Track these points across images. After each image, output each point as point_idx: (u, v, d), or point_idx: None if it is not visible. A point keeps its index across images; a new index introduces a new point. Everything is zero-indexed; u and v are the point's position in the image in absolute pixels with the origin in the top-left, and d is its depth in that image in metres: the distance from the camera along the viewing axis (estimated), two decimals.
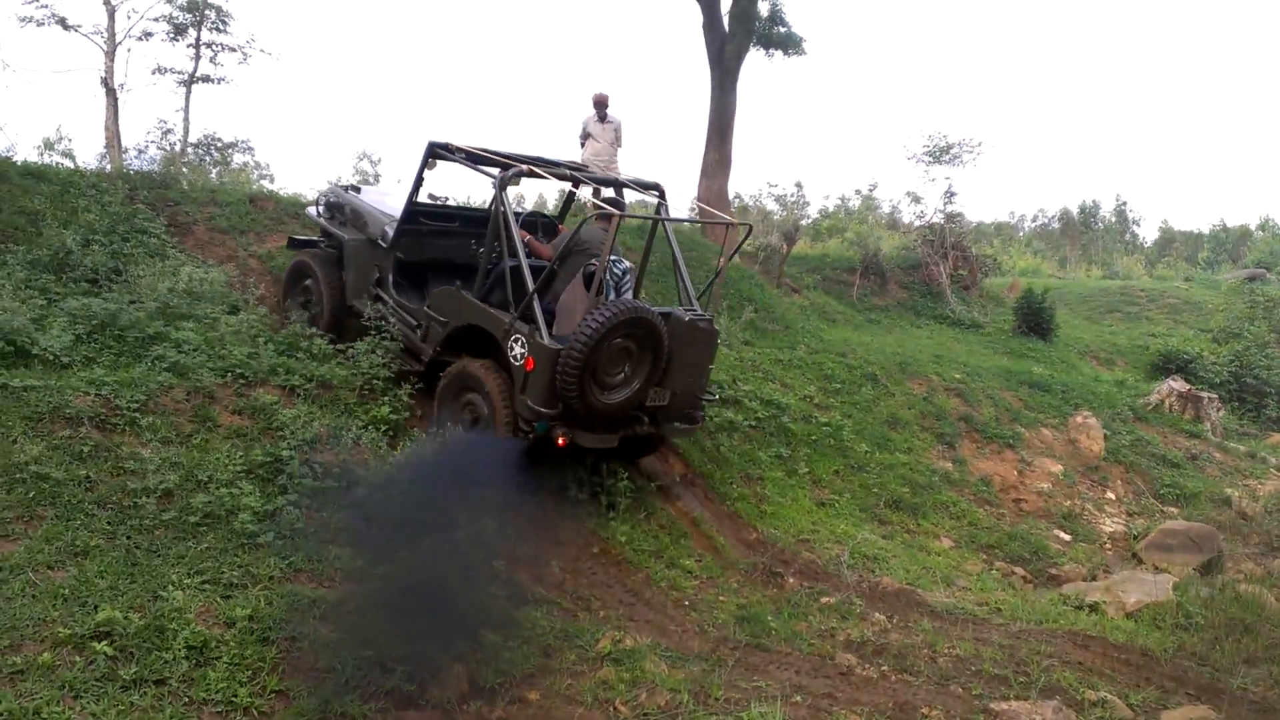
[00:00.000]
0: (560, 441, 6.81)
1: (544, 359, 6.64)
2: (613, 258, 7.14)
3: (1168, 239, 40.96)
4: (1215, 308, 19.29)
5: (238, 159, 19.15)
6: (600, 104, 13.58)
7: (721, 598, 6.89)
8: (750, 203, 24.76)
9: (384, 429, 7.12)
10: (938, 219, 18.22)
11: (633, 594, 6.70)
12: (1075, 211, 40.26)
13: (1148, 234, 42.90)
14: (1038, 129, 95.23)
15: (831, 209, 26.27)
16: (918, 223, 18.79)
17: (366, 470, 6.59)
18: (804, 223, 25.47)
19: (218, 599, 5.34)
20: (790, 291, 14.61)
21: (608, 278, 7.25)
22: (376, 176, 20.69)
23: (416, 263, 8.38)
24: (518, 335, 6.82)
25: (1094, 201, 41.15)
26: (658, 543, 7.36)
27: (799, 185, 41.68)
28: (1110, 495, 10.80)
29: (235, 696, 4.76)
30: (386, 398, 7.41)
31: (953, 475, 10.27)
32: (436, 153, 7.74)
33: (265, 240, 10.09)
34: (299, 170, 51.86)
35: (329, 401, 7.28)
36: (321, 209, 9.05)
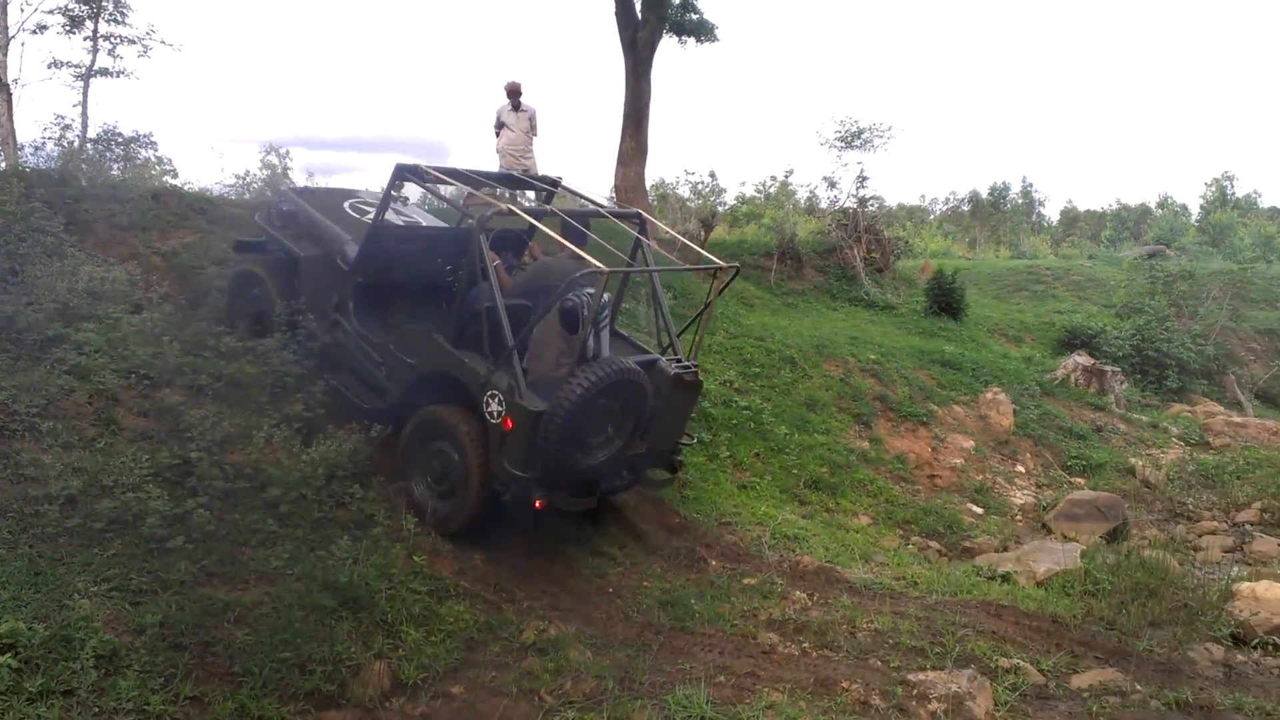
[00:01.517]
0: (537, 504, 6.28)
1: (524, 421, 6.09)
2: (589, 291, 6.48)
3: (1072, 219, 42.26)
4: (1118, 284, 19.96)
5: (140, 154, 18.51)
6: (514, 92, 13.48)
7: (645, 583, 6.93)
8: (667, 190, 24.84)
9: (298, 427, 6.97)
10: (851, 203, 18.49)
11: (556, 583, 6.70)
12: (984, 194, 41.30)
13: (1053, 214, 44.22)
14: (948, 114, 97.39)
15: (748, 195, 26.49)
16: (832, 208, 19.05)
17: (280, 469, 6.45)
18: (721, 209, 25.67)
19: (126, 606, 5.19)
20: (709, 278, 14.68)
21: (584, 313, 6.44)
22: (285, 170, 20.19)
23: (379, 285, 7.66)
24: (495, 391, 6.22)
25: (1003, 183, 42.26)
26: (580, 531, 7.35)
27: (713, 175, 41.95)
28: (1020, 468, 11.13)
29: (148, 704, 4.64)
30: (299, 395, 7.25)
31: (869, 454, 10.47)
32: (404, 175, 7.23)
33: (169, 237, 9.78)
34: (204, 165, 50.44)
35: (239, 400, 7.09)
36: (273, 216, 8.19)
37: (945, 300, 16.28)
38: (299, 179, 19.02)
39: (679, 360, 7.18)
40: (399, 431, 6.94)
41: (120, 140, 17.78)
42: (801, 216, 20.09)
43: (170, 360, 7.12)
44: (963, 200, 43.34)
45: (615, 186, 15.51)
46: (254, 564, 5.80)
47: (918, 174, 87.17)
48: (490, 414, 6.24)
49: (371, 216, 7.74)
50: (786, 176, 25.74)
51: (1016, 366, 14.12)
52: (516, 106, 13.43)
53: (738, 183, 47.79)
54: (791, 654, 6.01)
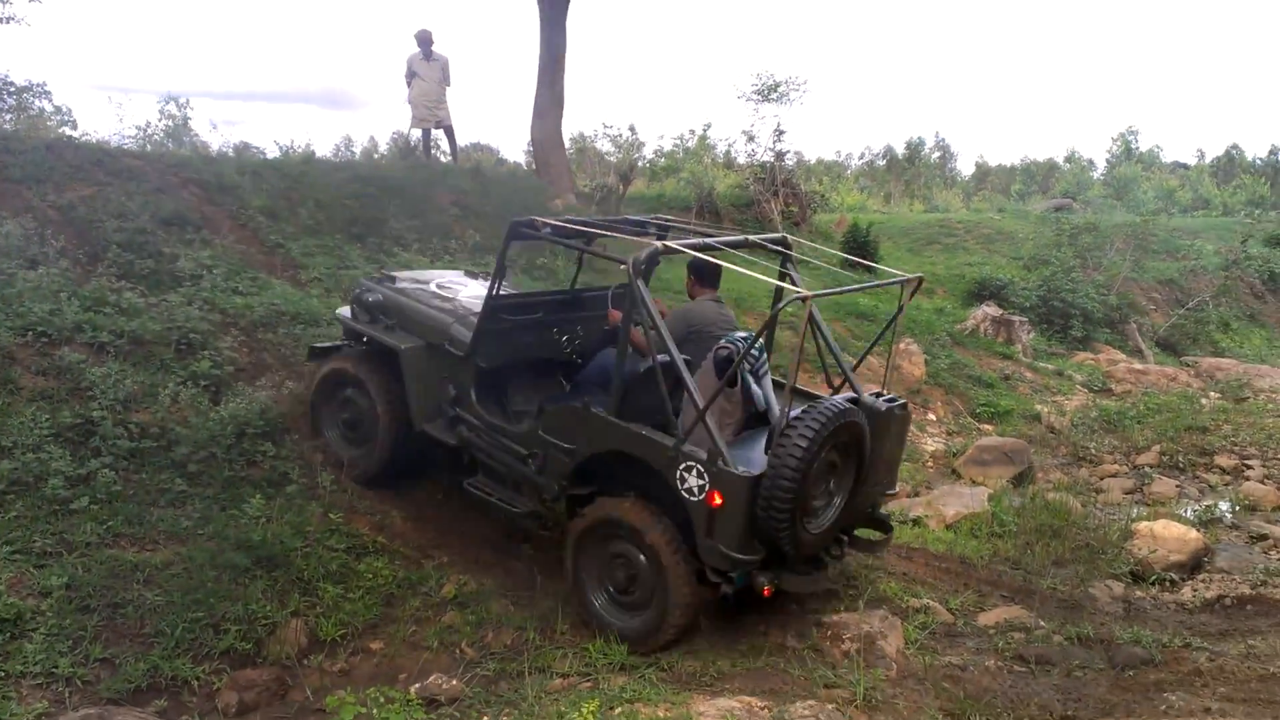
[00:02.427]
0: (765, 592, 5.16)
1: (738, 492, 4.89)
2: (742, 335, 5.61)
3: (983, 173, 43.13)
4: (1025, 237, 20.43)
5: (34, 104, 17.63)
6: (425, 40, 13.18)
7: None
8: (586, 143, 24.61)
9: (205, 384, 6.79)
10: (769, 157, 18.56)
11: (478, 538, 6.68)
12: (899, 149, 41.88)
13: (965, 169, 45.06)
14: (866, 70, 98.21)
15: (667, 149, 26.41)
16: (751, 162, 19.09)
17: (188, 428, 6.28)
18: (641, 163, 25.55)
19: (30, 569, 5.05)
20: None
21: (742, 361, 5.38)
22: (186, 121, 19.42)
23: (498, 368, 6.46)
24: (691, 463, 5.02)
25: (918, 139, 42.92)
26: None
27: (633, 128, 41.65)
28: (931, 416, 11.41)
29: (55, 667, 4.54)
30: (206, 351, 7.05)
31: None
32: (520, 232, 5.96)
33: (65, 190, 9.36)
34: (102, 116, 48.38)
35: (142, 358, 6.87)
36: (357, 310, 6.79)
37: (861, 253, 16.48)
38: (203, 131, 18.41)
39: (878, 394, 5.95)
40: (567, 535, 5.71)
41: (12, 90, 16.92)
42: (720, 171, 20.10)
43: (69, 317, 6.85)
44: (878, 155, 43.91)
45: (532, 139, 15.30)
46: (163, 524, 5.67)
47: (835, 129, 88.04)
48: (688, 492, 5.02)
49: (461, 294, 6.86)
50: (705, 130, 25.64)
51: (928, 318, 14.40)
52: (428, 55, 13.15)
53: (656, 136, 47.51)
54: (713, 601, 6.10)
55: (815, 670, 5.05)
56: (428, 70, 13.24)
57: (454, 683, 4.91)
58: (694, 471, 4.99)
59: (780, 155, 18.49)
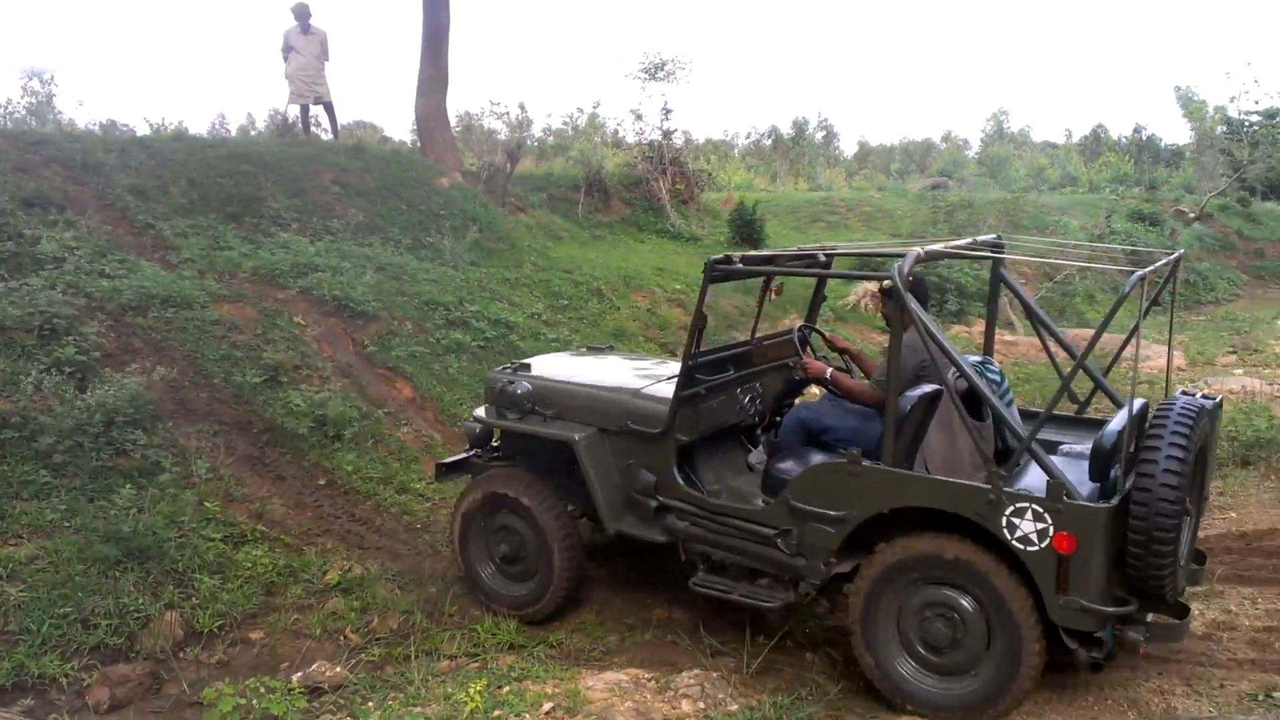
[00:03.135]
0: (1140, 650, 4.35)
1: (1096, 529, 3.97)
2: (976, 359, 4.95)
3: (865, 153, 44.12)
4: (904, 214, 21.02)
5: None
6: (302, 14, 12.80)
7: None
8: (473, 121, 24.28)
9: (70, 371, 6.48)
10: (657, 136, 18.60)
11: (362, 523, 6.58)
12: (785, 129, 42.48)
13: (847, 148, 46.02)
14: (751, 50, 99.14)
15: (555, 127, 26.26)
16: (639, 140, 19.11)
17: (52, 417, 6.00)
18: (530, 142, 25.32)
19: None
20: (516, 210, 14.52)
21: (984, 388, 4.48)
22: (50, 98, 18.37)
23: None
24: (1024, 505, 4.06)
25: (803, 118, 43.57)
26: (387, 469, 7.23)
27: (522, 106, 41.25)
28: (815, 391, 11.68)
29: None
30: (70, 337, 6.73)
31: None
32: (718, 272, 4.97)
33: None
34: None
35: (2, 345, 6.52)
36: (503, 406, 5.68)
37: (747, 231, 16.71)
38: (69, 109, 17.54)
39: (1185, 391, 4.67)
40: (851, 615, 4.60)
41: None
42: (609, 149, 20.08)
43: None
44: (765, 135, 44.45)
45: (416, 117, 14.99)
46: (26, 517, 5.42)
47: (723, 109, 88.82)
48: (1023, 541, 4.07)
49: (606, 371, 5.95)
50: (595, 108, 25.59)
51: (811, 295, 14.70)
52: (306, 29, 12.78)
53: (545, 114, 47.13)
54: (600, 577, 6.16)
55: (703, 641, 5.15)
56: (305, 44, 12.86)
57: (338, 669, 4.85)
58: (1028, 515, 4.06)
59: (668, 134, 18.54)
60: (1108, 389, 5.18)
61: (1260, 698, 4.22)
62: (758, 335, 6.08)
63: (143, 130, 15.58)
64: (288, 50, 12.87)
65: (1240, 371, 12.06)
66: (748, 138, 45.07)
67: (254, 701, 4.33)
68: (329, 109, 13.60)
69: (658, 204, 17.17)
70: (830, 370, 5.21)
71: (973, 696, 4.28)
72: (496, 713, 4.15)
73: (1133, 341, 4.01)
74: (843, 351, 5.60)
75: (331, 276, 9.07)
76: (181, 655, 5.01)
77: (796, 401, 5.80)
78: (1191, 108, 29.73)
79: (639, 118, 18.71)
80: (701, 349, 5.33)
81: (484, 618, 5.42)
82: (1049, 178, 33.55)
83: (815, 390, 6.23)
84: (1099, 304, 18.72)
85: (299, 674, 4.82)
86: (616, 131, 20.92)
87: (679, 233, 16.62)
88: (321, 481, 6.81)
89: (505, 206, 14.15)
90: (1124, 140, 41.92)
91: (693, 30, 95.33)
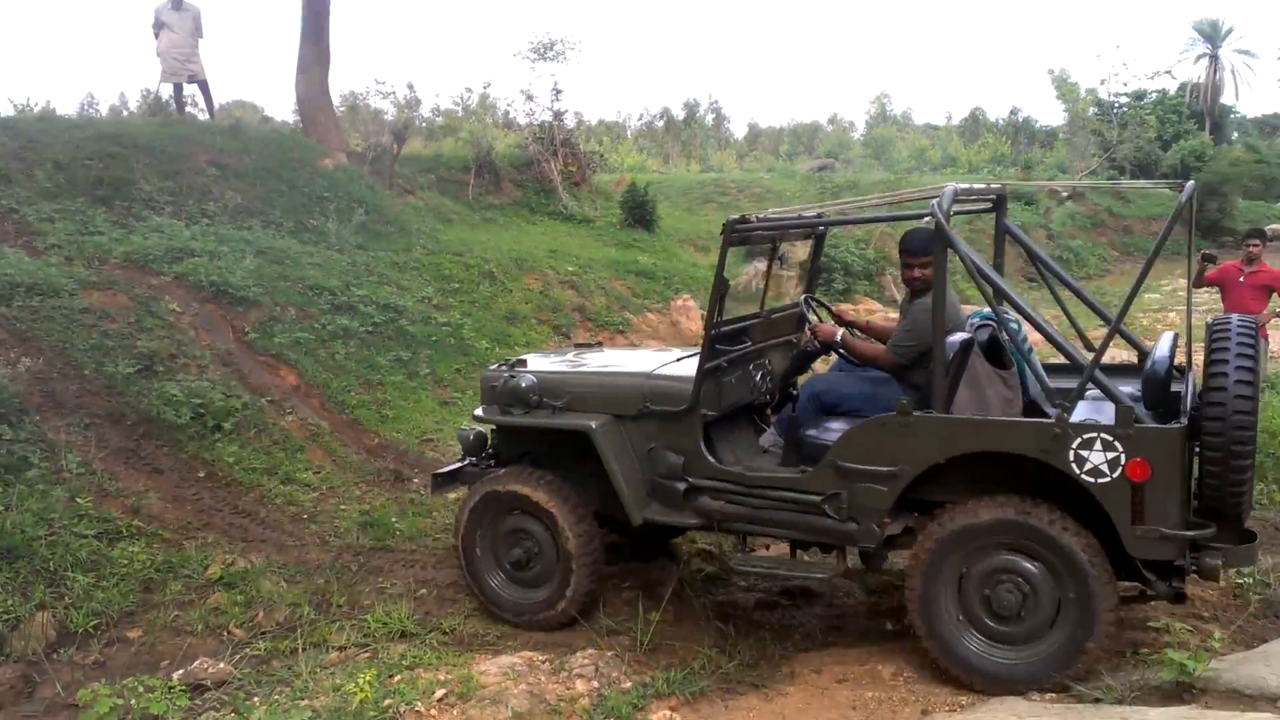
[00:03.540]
0: (1218, 576, 4.14)
1: (1171, 451, 3.88)
2: (987, 311, 4.81)
3: (755, 135, 44.70)
4: (793, 195, 21.38)
5: None
6: None
7: (343, 507, 6.76)
8: (358, 100, 23.71)
9: None
10: (547, 117, 18.47)
11: (245, 515, 6.39)
12: (677, 111, 42.72)
13: (739, 130, 46.51)
14: (643, 32, 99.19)
15: (445, 108, 25.83)
16: (530, 121, 18.94)
17: None
18: (418, 122, 24.85)
19: None
20: (403, 192, 14.26)
21: (1005, 340, 4.67)
22: None
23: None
24: (1090, 435, 3.94)
25: (694, 100, 43.89)
26: (271, 459, 7.03)
27: (410, 86, 40.50)
28: None
29: None
30: None
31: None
32: (736, 233, 4.81)
33: None
34: None
35: None
36: (508, 402, 5.28)
37: (639, 213, 16.77)
38: None
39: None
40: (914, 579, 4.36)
41: None
42: (500, 130, 19.86)
43: None
44: (657, 116, 44.59)
45: (297, 96, 14.55)
46: None
47: (616, 91, 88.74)
48: (1093, 473, 3.94)
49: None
50: (486, 89, 25.30)
51: (704, 274, 14.83)
52: (178, 5, 12.31)
53: (434, 94, 46.34)
54: None
55: (598, 620, 5.17)
56: (178, 21, 12.36)
57: (221, 665, 4.70)
58: (1097, 445, 3.92)
59: (559, 115, 18.44)
60: (1128, 334, 4.91)
61: (1128, 654, 4.43)
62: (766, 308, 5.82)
63: (5, 111, 14.80)
64: (159, 27, 12.36)
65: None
66: (640, 119, 45.21)
67: (132, 701, 4.17)
68: (204, 88, 13.12)
69: (549, 186, 17.08)
70: (841, 333, 5.01)
71: (1045, 662, 4.08)
72: (387, 702, 4.08)
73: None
74: (850, 324, 5.31)
75: (209, 261, 8.76)
76: (55, 657, 4.80)
77: (800, 381, 5.61)
78: (1064, 90, 30.96)
79: (530, 98, 18.58)
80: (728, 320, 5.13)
81: (374, 607, 5.33)
82: (931, 159, 34.56)
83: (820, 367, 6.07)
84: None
85: (180, 672, 4.66)
86: (507, 112, 20.74)
87: (571, 214, 16.57)
88: (201, 474, 6.59)
89: (393, 188, 13.89)
90: (1001, 122, 43.38)
91: (585, 10, 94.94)
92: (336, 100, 16.42)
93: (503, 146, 18.01)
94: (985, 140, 38.55)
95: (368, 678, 4.26)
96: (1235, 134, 41.69)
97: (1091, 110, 30.40)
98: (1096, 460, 3.93)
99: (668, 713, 4.16)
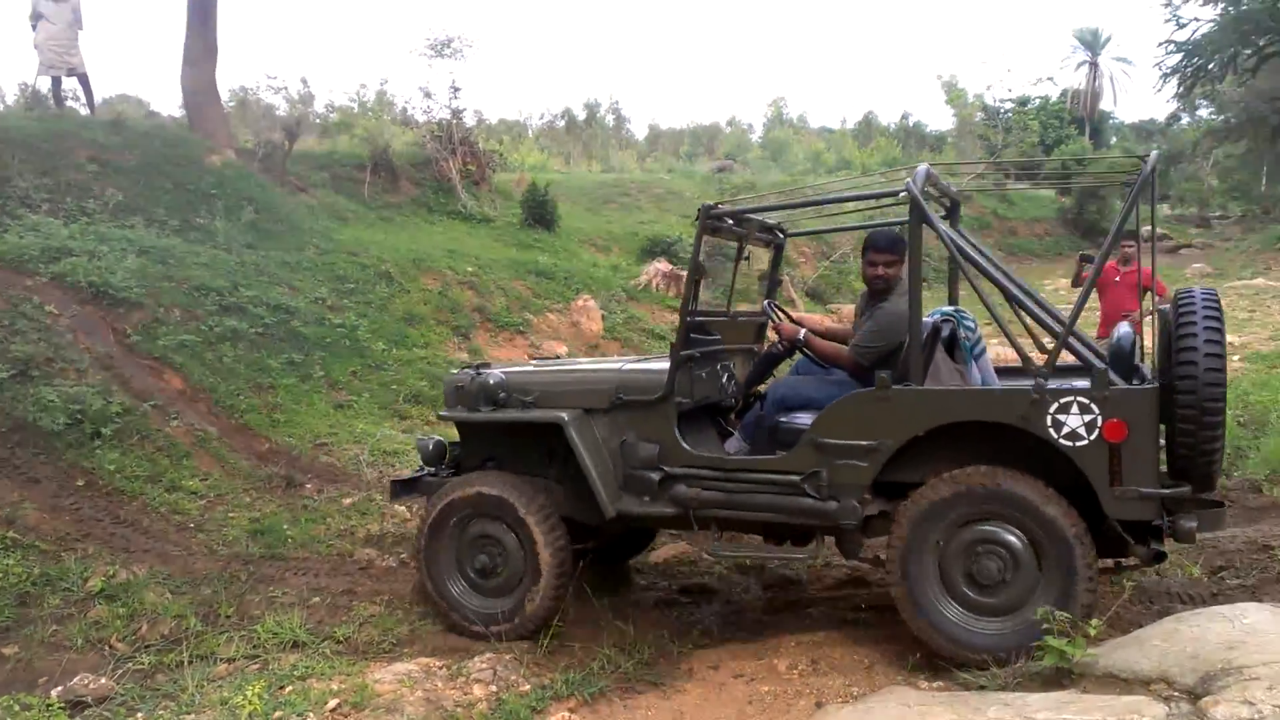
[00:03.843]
0: (1192, 536, 4.15)
1: (1146, 411, 4.03)
2: (950, 309, 5.04)
3: (655, 136, 44.84)
4: (693, 196, 21.55)
5: None
6: None
7: (232, 514, 6.58)
8: (249, 95, 23.00)
9: None
10: (446, 115, 18.23)
11: (127, 524, 6.16)
12: (578, 111, 42.62)
13: (639, 131, 46.65)
14: (544, 31, 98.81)
15: (340, 104, 25.19)
16: (428, 119, 18.66)
17: None
18: (312, 118, 24.22)
19: None
20: (296, 190, 13.90)
21: (962, 335, 4.91)
22: None
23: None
24: (1068, 399, 4.07)
25: (595, 101, 43.80)
26: (155, 467, 6.79)
27: (304, 81, 39.54)
28: None
29: None
30: None
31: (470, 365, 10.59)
32: (714, 220, 4.89)
33: None
34: None
35: None
36: (475, 400, 5.15)
37: (539, 212, 16.68)
38: None
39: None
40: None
41: None
42: (398, 128, 19.52)
43: None
44: (558, 116, 44.40)
45: (183, 90, 14.05)
46: None
47: (517, 90, 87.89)
48: (1070, 437, 4.06)
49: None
50: (383, 85, 24.75)
51: (605, 274, 14.88)
52: None
53: (328, 90, 45.17)
54: (390, 566, 6.05)
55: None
56: (56, 12, 11.89)
57: (103, 681, 4.52)
58: (1073, 408, 4.05)
59: (457, 113, 18.21)
60: (1083, 337, 4.69)
61: None
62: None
63: None
64: (37, 18, 11.87)
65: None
66: (541, 119, 44.93)
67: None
68: (84, 81, 12.63)
69: (448, 184, 16.86)
70: (804, 332, 5.08)
71: (1026, 633, 4.07)
72: (278, 714, 3.99)
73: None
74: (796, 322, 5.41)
75: (88, 261, 8.41)
76: None
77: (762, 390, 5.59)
78: (953, 94, 31.90)
79: (428, 96, 18.30)
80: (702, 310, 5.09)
81: (264, 617, 5.19)
82: (826, 161, 35.17)
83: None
84: None
85: (59, 689, 4.46)
86: (405, 110, 20.37)
87: (471, 214, 16.39)
88: (80, 482, 6.32)
89: (284, 186, 13.53)
90: (893, 126, 44.50)
91: (485, 8, 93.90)
92: (226, 95, 15.97)
93: (400, 144, 17.70)
94: (878, 144, 39.47)
95: (257, 690, 4.16)
96: (1114, 139, 43.53)
97: (978, 115, 31.41)
98: (1074, 424, 4.05)
99: (566, 714, 4.17)
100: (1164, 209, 32.18)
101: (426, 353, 10.42)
